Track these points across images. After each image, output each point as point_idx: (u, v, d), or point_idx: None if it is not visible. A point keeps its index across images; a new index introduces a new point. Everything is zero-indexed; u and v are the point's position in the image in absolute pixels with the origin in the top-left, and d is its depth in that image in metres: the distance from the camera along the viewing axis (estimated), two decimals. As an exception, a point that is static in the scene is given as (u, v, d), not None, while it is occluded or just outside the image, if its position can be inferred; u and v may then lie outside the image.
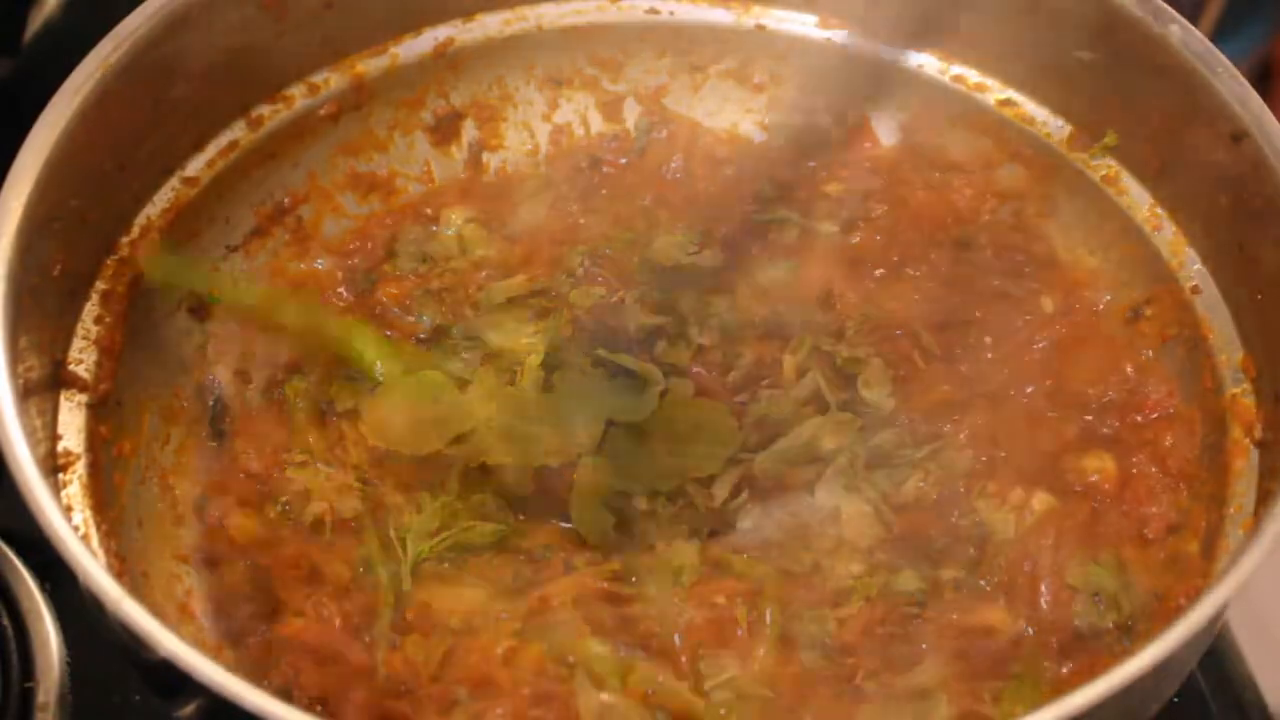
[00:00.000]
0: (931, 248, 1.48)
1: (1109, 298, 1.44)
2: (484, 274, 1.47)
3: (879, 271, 1.47)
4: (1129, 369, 1.39)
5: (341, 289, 1.48)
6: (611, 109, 1.60)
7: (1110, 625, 1.25)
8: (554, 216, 1.51)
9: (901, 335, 1.42)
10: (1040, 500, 1.31)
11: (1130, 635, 1.24)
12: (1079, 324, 1.43)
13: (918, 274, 1.47)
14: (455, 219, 1.50)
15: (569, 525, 1.32)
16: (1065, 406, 1.38)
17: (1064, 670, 1.23)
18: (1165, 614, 1.23)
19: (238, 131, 1.45)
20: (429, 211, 1.52)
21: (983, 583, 1.28)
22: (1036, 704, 1.15)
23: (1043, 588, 1.26)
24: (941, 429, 1.38)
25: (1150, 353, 1.40)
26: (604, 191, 1.54)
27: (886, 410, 1.40)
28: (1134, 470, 1.34)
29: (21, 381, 1.16)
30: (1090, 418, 1.38)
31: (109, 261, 1.33)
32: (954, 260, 1.47)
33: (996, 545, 1.30)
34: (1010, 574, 1.28)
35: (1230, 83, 1.30)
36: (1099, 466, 1.34)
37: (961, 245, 1.48)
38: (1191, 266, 1.38)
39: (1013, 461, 1.35)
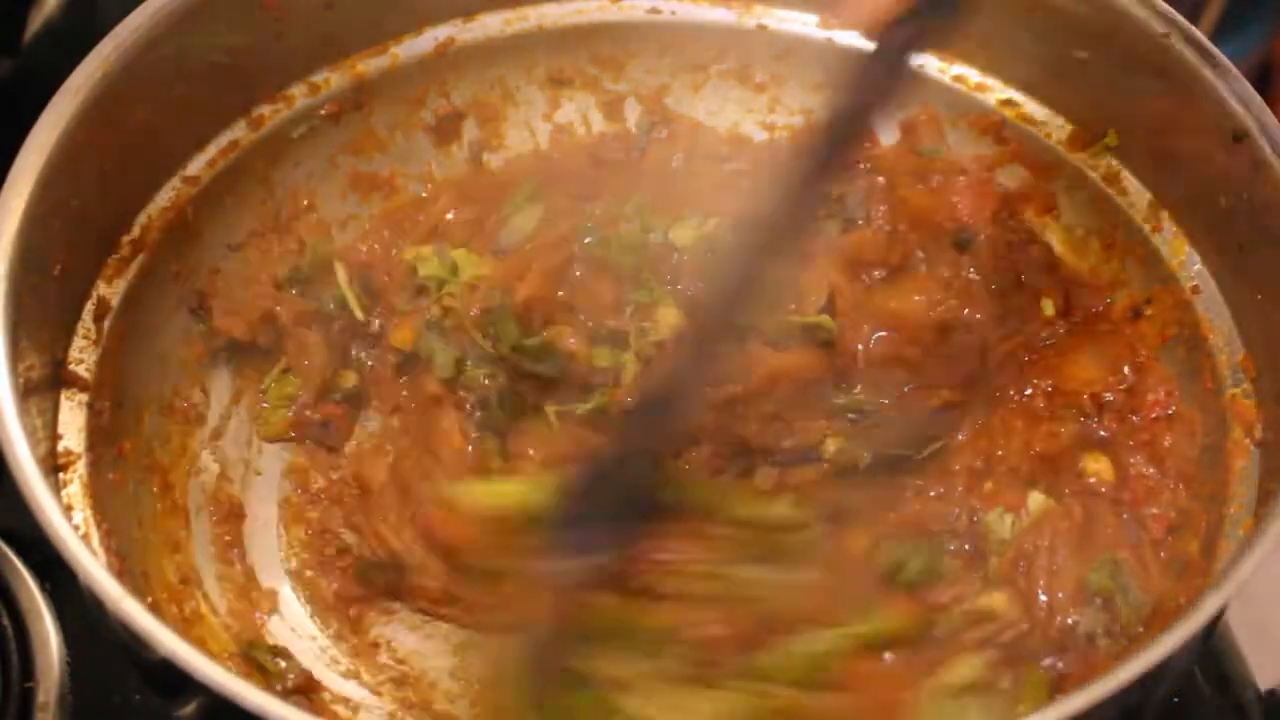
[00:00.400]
0: (931, 249, 1.48)
1: (1109, 298, 1.44)
2: (480, 294, 1.46)
3: (879, 272, 1.47)
4: (1128, 369, 1.39)
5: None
6: (613, 108, 1.60)
7: (1107, 628, 1.25)
8: (546, 225, 1.51)
9: (901, 336, 1.42)
10: (1036, 501, 1.31)
11: (1127, 637, 1.24)
12: (1078, 324, 1.43)
13: (918, 275, 1.47)
14: (426, 252, 1.49)
15: None
16: (1064, 407, 1.38)
17: (1059, 666, 1.23)
18: (1164, 616, 1.23)
19: (238, 131, 1.45)
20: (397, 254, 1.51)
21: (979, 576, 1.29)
22: (1037, 703, 1.16)
23: (1040, 588, 1.26)
24: (941, 430, 1.39)
25: (1150, 353, 1.40)
26: (601, 195, 1.53)
27: (887, 412, 1.40)
28: (1132, 471, 1.34)
29: (22, 381, 1.16)
30: (1088, 419, 1.38)
31: (109, 261, 1.33)
32: (954, 261, 1.47)
33: (994, 545, 1.31)
34: (1008, 572, 1.28)
35: (1230, 83, 1.30)
36: (1096, 469, 1.34)
37: (961, 246, 1.48)
38: (1191, 266, 1.38)
39: (1010, 462, 1.35)
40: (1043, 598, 1.26)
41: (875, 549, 1.31)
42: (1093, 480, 1.34)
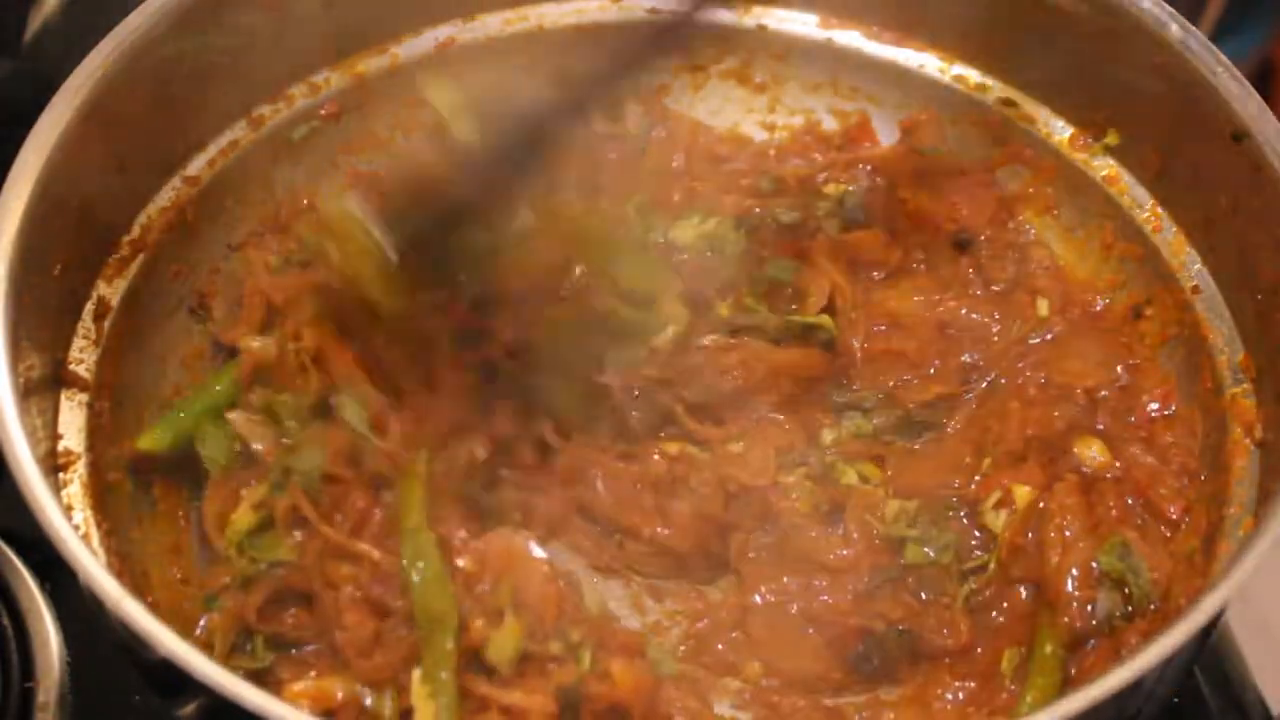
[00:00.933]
0: (931, 249, 1.48)
1: (1109, 298, 1.44)
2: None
3: (878, 273, 1.47)
4: (1121, 369, 1.39)
5: None
6: (613, 108, 1.60)
7: (1123, 610, 1.25)
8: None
9: (899, 333, 1.43)
10: (1022, 494, 1.32)
11: (1143, 617, 1.25)
12: (1074, 323, 1.43)
13: (917, 274, 1.47)
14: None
15: None
16: (1058, 399, 1.38)
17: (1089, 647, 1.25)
18: (1177, 596, 1.24)
19: (238, 131, 1.45)
20: None
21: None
22: (1047, 685, 1.19)
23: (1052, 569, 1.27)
24: (935, 419, 1.39)
25: (1147, 353, 1.40)
26: (601, 193, 1.53)
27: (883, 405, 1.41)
28: (1133, 460, 1.34)
29: (22, 381, 1.16)
30: (1082, 409, 1.38)
31: (109, 261, 1.33)
32: (953, 261, 1.47)
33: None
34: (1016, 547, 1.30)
35: (1230, 83, 1.30)
36: (1090, 454, 1.34)
37: (960, 246, 1.48)
38: (1191, 266, 1.38)
39: (1006, 445, 1.36)
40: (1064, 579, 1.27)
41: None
42: (1088, 467, 1.33)
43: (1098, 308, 1.44)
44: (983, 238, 1.48)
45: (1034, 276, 1.46)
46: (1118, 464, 1.34)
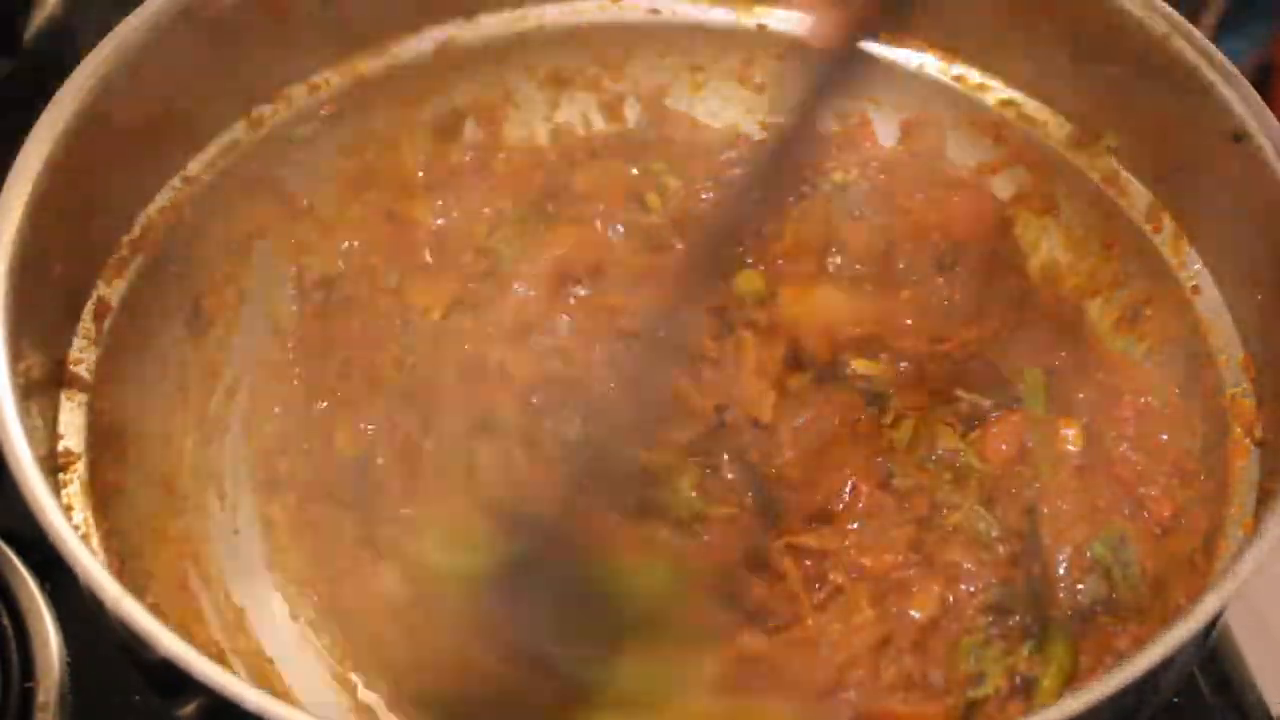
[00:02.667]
0: (915, 263, 1.47)
1: (1108, 298, 1.44)
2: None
3: (869, 287, 1.47)
4: (1127, 371, 1.39)
5: None
6: (613, 108, 1.60)
7: (1106, 602, 1.25)
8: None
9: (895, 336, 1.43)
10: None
11: (1129, 610, 1.25)
12: (1075, 325, 1.43)
13: (913, 281, 1.47)
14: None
15: None
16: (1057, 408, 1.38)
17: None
18: (1161, 602, 1.24)
19: (238, 131, 1.45)
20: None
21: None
22: (1061, 674, 1.21)
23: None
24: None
25: (1150, 353, 1.40)
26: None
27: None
28: (1118, 453, 1.34)
29: (22, 381, 1.16)
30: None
31: (109, 261, 1.33)
32: (950, 265, 1.47)
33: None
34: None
35: (1230, 83, 1.30)
36: (1067, 433, 1.34)
37: (943, 267, 1.47)
38: (1191, 266, 1.38)
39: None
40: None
41: None
42: (1068, 446, 1.34)
43: (1096, 308, 1.44)
44: (961, 264, 1.47)
45: (1004, 309, 1.46)
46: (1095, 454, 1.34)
